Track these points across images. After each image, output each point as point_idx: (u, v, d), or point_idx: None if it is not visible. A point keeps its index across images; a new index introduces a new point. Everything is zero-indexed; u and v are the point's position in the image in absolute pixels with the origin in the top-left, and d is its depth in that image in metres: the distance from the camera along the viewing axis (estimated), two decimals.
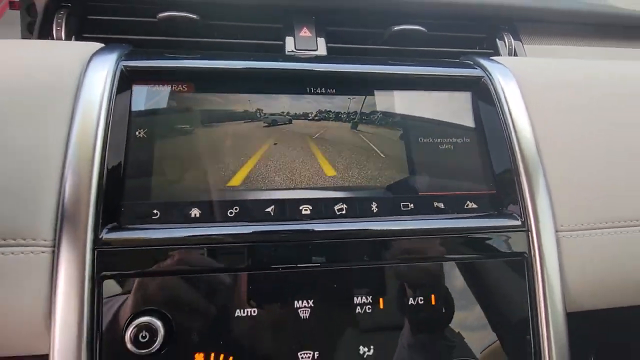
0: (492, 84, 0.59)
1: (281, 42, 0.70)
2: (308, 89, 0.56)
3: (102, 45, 0.56)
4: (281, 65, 0.57)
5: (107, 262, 0.44)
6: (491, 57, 0.66)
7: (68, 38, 0.67)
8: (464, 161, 0.56)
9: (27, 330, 0.42)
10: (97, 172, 0.46)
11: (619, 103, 0.62)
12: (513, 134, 0.56)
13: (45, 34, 0.67)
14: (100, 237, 0.44)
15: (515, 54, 0.79)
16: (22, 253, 0.42)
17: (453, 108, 0.59)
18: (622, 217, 0.55)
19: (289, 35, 0.70)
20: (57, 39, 0.66)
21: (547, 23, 0.85)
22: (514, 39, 0.80)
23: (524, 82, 0.60)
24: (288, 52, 0.69)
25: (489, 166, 0.56)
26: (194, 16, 0.68)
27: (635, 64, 0.69)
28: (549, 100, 0.60)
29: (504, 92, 0.58)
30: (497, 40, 0.81)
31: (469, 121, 0.58)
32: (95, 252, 0.43)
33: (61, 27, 0.66)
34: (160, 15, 0.67)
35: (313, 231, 0.48)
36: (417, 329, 0.48)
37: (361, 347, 0.47)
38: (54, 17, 0.66)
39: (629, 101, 0.62)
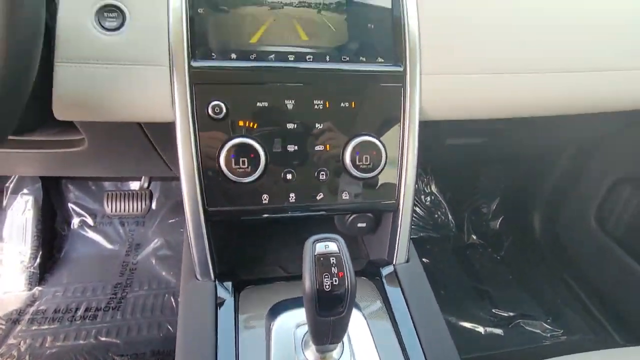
0: None
1: None
2: None
3: None
4: None
5: (195, 76, 0.91)
6: None
7: None
8: (379, 35, 1.01)
9: (163, 106, 0.92)
10: (186, 33, 0.91)
11: None
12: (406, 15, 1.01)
13: None
14: (191, 64, 0.91)
15: None
16: (154, 70, 0.89)
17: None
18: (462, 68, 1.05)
19: None
20: None
21: None
22: None
23: None
24: None
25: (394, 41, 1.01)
26: None
27: None
28: None
29: None
30: None
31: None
32: (189, 71, 0.91)
33: None
34: None
35: (294, 67, 0.96)
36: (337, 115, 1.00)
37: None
38: None
39: None
